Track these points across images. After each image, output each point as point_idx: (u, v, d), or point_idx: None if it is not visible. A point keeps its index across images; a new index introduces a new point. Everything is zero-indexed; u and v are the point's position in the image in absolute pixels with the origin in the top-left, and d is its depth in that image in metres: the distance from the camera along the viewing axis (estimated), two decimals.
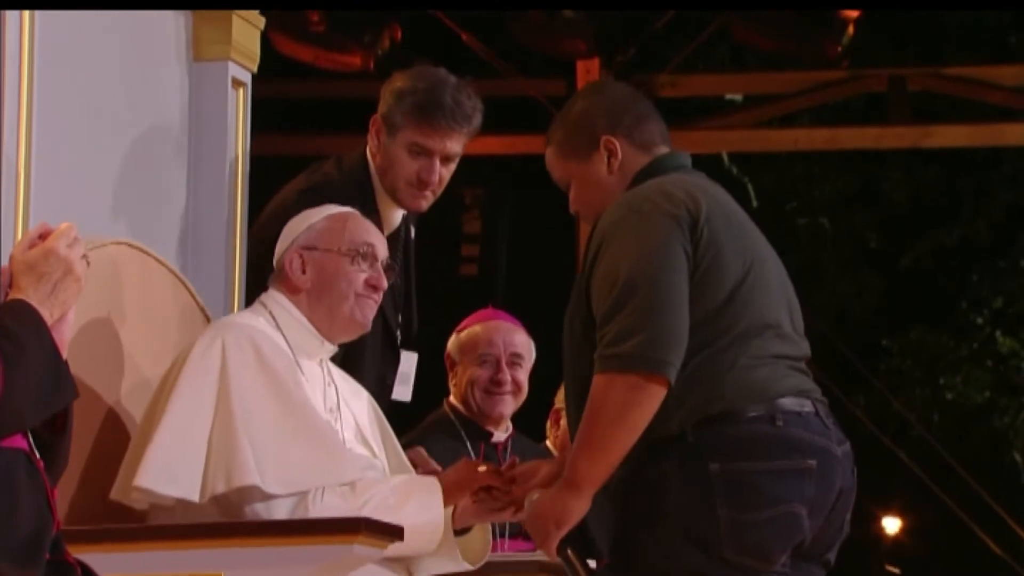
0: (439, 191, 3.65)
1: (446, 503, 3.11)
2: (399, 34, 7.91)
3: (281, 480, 3.02)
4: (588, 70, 8.54)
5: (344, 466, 3.08)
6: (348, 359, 3.47)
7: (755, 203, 12.88)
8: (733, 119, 9.65)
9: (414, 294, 3.79)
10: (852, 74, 8.72)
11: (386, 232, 3.59)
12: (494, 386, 4.22)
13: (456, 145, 3.61)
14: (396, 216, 3.68)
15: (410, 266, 3.78)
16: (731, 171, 12.71)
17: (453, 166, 3.65)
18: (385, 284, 3.26)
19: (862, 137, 9.37)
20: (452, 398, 4.31)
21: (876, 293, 12.85)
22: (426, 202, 3.64)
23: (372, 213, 3.48)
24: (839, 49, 7.88)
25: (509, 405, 4.27)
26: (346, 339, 3.30)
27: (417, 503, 3.07)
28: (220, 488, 3.01)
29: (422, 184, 3.59)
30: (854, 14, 7.76)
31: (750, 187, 12.85)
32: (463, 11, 8.36)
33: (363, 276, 3.23)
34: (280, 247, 3.31)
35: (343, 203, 3.37)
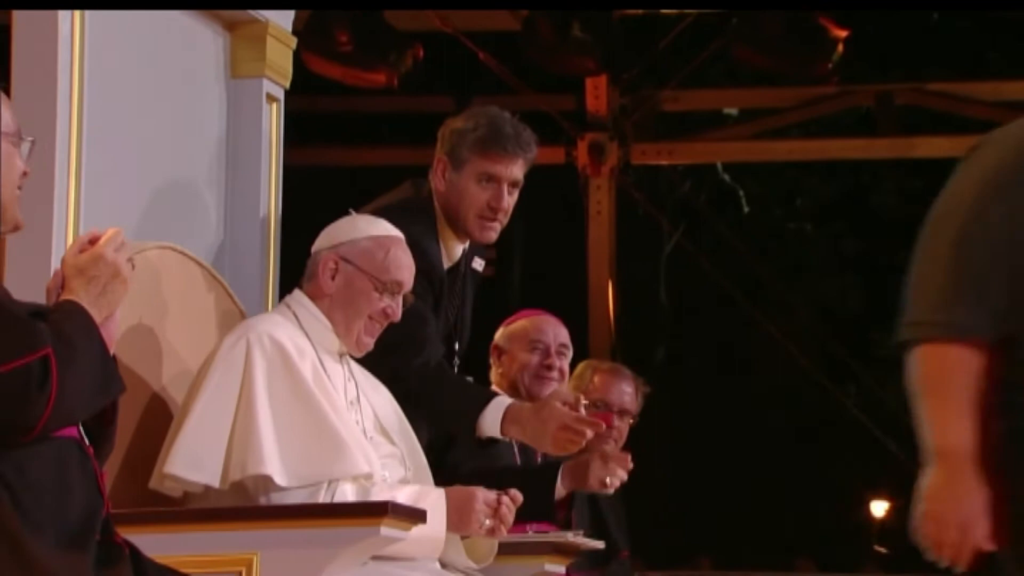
0: (505, 221, 3.62)
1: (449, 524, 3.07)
2: (421, 53, 7.91)
3: (291, 472, 3.01)
4: (596, 86, 8.54)
5: (355, 461, 3.05)
6: None
7: (746, 209, 12.88)
8: (730, 131, 9.64)
9: (468, 321, 3.75)
10: (841, 90, 8.72)
11: (447, 265, 3.58)
12: (545, 370, 4.21)
13: (520, 171, 3.59)
14: (457, 250, 3.66)
15: (467, 295, 3.73)
16: (724, 179, 12.71)
17: (516, 195, 3.62)
18: (399, 317, 3.23)
19: (851, 148, 9.38)
20: (495, 386, 4.28)
21: (866, 291, 12.83)
22: (495, 233, 3.62)
23: (435, 246, 3.46)
24: (829, 66, 7.87)
25: (554, 389, 4.26)
26: (351, 353, 3.26)
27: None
28: (237, 476, 3.02)
29: (493, 211, 3.57)
30: (843, 33, 7.74)
31: (742, 194, 12.85)
32: (482, 33, 8.36)
33: (382, 305, 3.22)
34: (322, 242, 3.27)
35: (414, 227, 3.33)
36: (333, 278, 3.22)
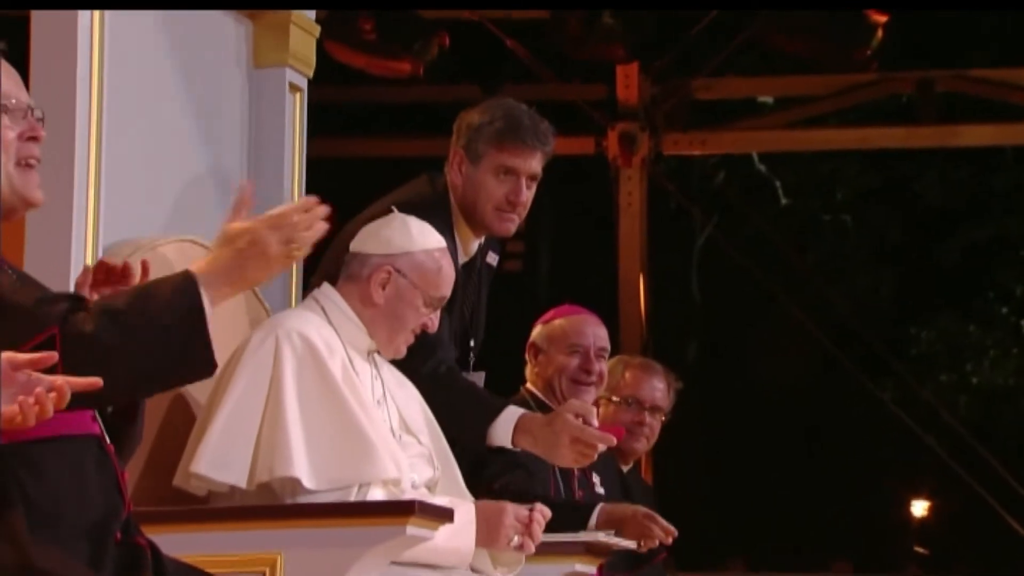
0: (523, 214, 3.64)
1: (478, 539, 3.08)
2: (447, 41, 7.92)
3: (319, 475, 3.02)
4: (627, 75, 8.53)
5: (384, 465, 3.05)
6: None
7: (784, 201, 12.84)
8: (766, 120, 9.61)
9: (483, 318, 3.77)
10: (881, 76, 8.68)
11: (462, 260, 3.59)
12: (583, 375, 4.20)
13: (538, 165, 3.62)
14: (473, 246, 3.68)
15: (481, 292, 3.75)
16: (760, 170, 12.68)
17: (534, 188, 3.64)
18: (434, 329, 3.28)
19: (891, 137, 9.32)
20: (531, 385, 4.27)
21: (903, 286, 12.78)
22: (513, 225, 3.63)
23: (450, 241, 3.47)
24: (868, 52, 7.84)
25: (591, 395, 4.25)
26: (383, 355, 3.29)
27: (451, 528, 3.00)
28: (264, 477, 3.03)
29: (511, 205, 3.59)
30: (883, 18, 7.71)
31: (778, 185, 12.81)
32: (510, 20, 8.36)
33: (423, 319, 3.26)
34: (370, 246, 3.26)
35: (431, 222, 3.35)
36: (384, 287, 3.23)
